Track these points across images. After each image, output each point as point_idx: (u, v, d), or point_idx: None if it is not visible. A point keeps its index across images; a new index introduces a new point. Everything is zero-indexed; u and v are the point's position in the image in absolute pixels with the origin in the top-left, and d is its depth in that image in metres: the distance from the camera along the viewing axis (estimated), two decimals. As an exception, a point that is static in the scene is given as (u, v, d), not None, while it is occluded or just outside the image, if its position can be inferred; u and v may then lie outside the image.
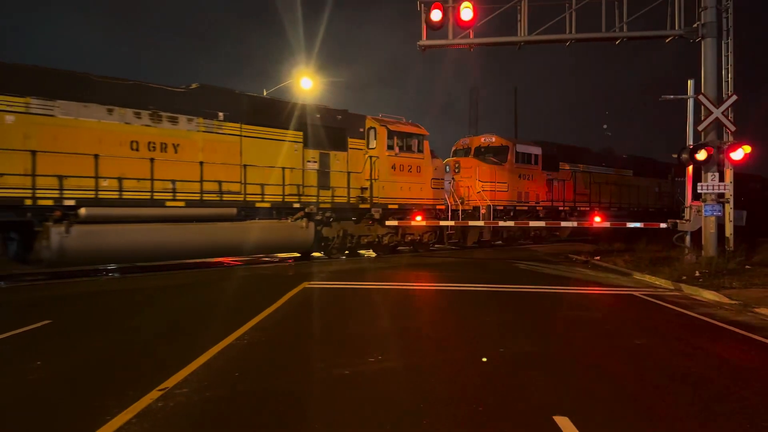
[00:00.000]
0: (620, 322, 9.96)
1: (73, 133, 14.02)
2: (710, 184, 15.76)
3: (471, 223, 22.70)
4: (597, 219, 23.53)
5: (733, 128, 15.78)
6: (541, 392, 5.98)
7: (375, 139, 20.85)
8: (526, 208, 27.14)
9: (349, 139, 20.16)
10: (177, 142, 15.81)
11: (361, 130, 20.66)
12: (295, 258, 20.23)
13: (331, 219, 19.55)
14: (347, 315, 10.23)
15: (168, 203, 15.55)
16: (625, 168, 33.99)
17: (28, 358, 6.96)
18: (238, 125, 17.10)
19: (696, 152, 15.45)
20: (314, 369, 6.66)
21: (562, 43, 16.55)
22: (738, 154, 15.76)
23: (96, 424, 4.88)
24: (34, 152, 13.27)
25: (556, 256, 21.41)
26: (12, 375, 6.37)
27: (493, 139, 27.11)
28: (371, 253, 21.72)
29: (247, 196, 17.16)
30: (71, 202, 13.83)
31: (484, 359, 6.95)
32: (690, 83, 16.54)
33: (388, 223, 20.67)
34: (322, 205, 19.06)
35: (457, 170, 25.12)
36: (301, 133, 18.58)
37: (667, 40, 16.47)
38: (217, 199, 16.55)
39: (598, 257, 19.52)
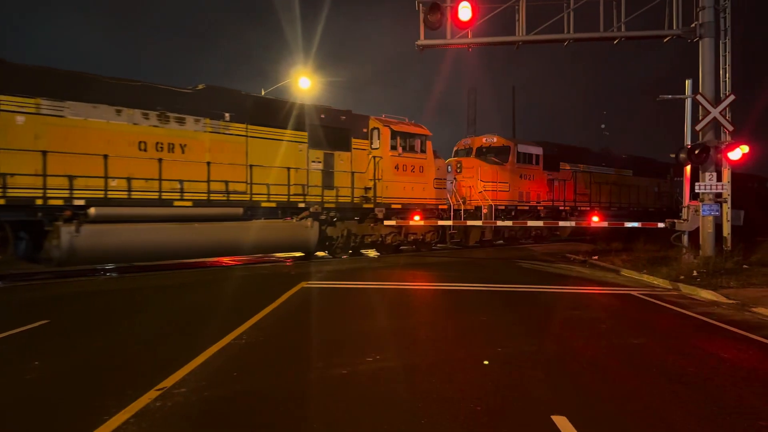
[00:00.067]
0: (618, 322, 9.81)
1: (83, 134, 13.98)
2: (708, 183, 15.57)
3: (469, 222, 22.54)
4: (595, 219, 23.31)
5: (730, 128, 15.59)
6: (539, 391, 5.89)
7: (378, 139, 20.74)
8: (527, 207, 26.98)
9: (353, 140, 20.06)
10: (184, 142, 15.75)
11: (365, 130, 20.57)
12: (294, 258, 20.04)
13: (335, 219, 19.47)
14: (345, 314, 10.10)
15: (176, 203, 15.50)
16: (625, 168, 33.79)
17: (26, 357, 6.86)
18: (244, 126, 17.03)
19: (694, 152, 15.26)
20: (312, 368, 6.54)
21: (561, 43, 16.33)
22: (736, 154, 15.57)
23: (94, 424, 4.80)
24: (44, 152, 13.22)
25: (554, 256, 21.23)
26: (10, 375, 6.27)
27: (495, 140, 26.96)
28: (374, 253, 21.57)
29: (253, 196, 17.08)
30: (81, 202, 13.79)
31: (486, 362, 6.80)
32: (688, 83, 16.34)
33: (386, 222, 20.51)
34: (326, 205, 18.98)
35: (459, 170, 24.97)
36: (305, 133, 18.49)
37: (665, 40, 16.25)
38: (224, 198, 16.47)
39: (596, 257, 19.33)
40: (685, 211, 16.03)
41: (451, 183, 23.93)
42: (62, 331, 8.50)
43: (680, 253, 16.17)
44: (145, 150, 14.99)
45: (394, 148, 20.99)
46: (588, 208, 29.25)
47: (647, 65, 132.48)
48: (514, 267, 17.99)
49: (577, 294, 12.63)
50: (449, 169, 24.22)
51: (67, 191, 13.66)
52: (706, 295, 12.06)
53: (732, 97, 15.46)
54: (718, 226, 15.88)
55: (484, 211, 24.01)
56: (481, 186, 24.56)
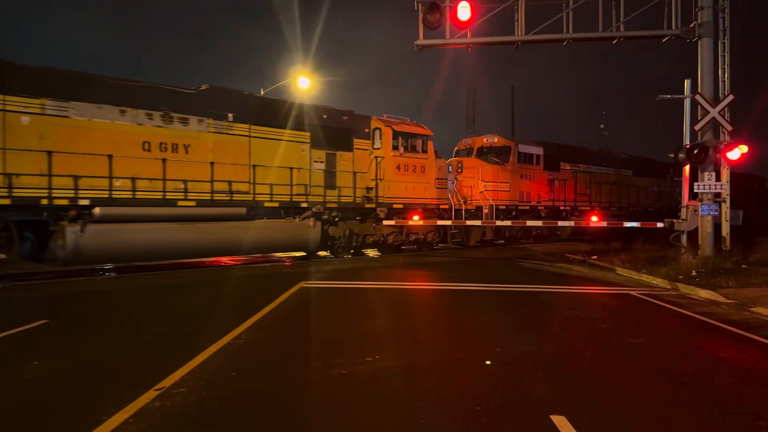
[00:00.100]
0: (617, 322, 9.72)
1: (87, 134, 13.94)
2: (707, 183, 15.44)
3: (468, 222, 22.41)
4: (594, 219, 23.18)
5: (729, 128, 15.45)
6: (539, 391, 5.83)
7: (380, 139, 20.67)
8: (528, 207, 26.87)
9: (355, 140, 19.99)
10: (188, 142, 15.70)
11: (367, 130, 20.50)
12: (293, 257, 19.92)
13: (337, 218, 19.41)
14: (344, 314, 10.00)
15: (180, 203, 15.45)
16: (625, 168, 33.67)
17: (24, 357, 6.79)
18: (247, 126, 16.97)
19: (693, 152, 15.15)
20: (312, 368, 6.47)
21: (560, 43, 16.18)
22: (734, 154, 15.44)
23: (93, 424, 4.75)
24: (50, 153, 13.18)
25: (554, 256, 21.10)
26: (9, 375, 6.21)
27: (496, 140, 26.86)
28: (374, 252, 21.49)
29: (256, 195, 17.02)
30: (86, 202, 13.75)
31: (488, 362, 6.71)
32: (687, 83, 16.19)
33: (385, 222, 20.37)
34: (328, 205, 18.91)
35: (460, 170, 24.89)
36: (308, 133, 18.43)
37: (664, 40, 16.08)
38: (227, 198, 16.42)
39: (595, 256, 19.20)
40: (684, 210, 15.91)
41: (452, 183, 23.84)
42: (61, 331, 8.41)
43: (679, 253, 16.05)
44: (149, 150, 14.95)
45: (395, 148, 20.92)
46: (588, 208, 29.13)
47: (646, 65, 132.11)
48: (514, 267, 17.88)
49: (576, 294, 12.53)
50: (450, 169, 24.13)
51: (72, 191, 13.62)
52: (705, 294, 11.97)
53: (731, 97, 15.33)
54: (717, 226, 15.74)
55: (485, 210, 23.92)
56: (482, 186, 24.47)
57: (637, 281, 14.60)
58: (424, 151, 21.91)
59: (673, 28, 15.74)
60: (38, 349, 7.29)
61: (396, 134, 20.95)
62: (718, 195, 15.69)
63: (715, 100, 15.45)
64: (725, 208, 15.75)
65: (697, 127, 15.70)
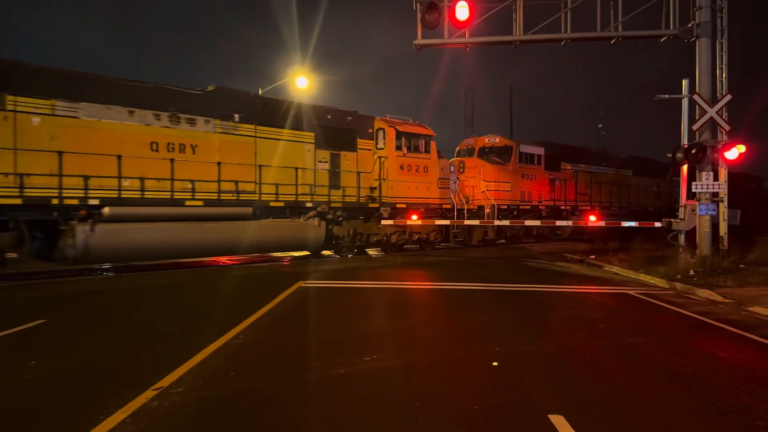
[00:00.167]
0: (615, 321, 9.57)
1: (96, 135, 13.86)
2: (704, 183, 15.19)
3: (467, 222, 22.24)
4: (592, 218, 22.96)
5: (727, 127, 15.22)
6: (537, 391, 5.72)
7: (384, 139, 20.52)
8: (529, 207, 26.68)
9: (359, 140, 19.85)
10: (195, 143, 15.61)
11: (370, 130, 20.35)
12: (291, 257, 19.68)
13: (342, 218, 19.27)
14: (342, 314, 9.82)
15: (187, 203, 15.36)
16: (625, 168, 33.43)
17: (22, 357, 6.67)
18: (252, 126, 16.86)
19: (690, 151, 14.93)
20: (309, 368, 6.36)
21: (558, 43, 15.93)
22: (732, 154, 15.22)
23: (90, 424, 4.65)
24: (60, 153, 13.11)
25: (553, 255, 20.83)
26: (6, 375, 6.09)
27: (497, 140, 26.68)
28: (374, 252, 21.32)
29: (262, 195, 16.90)
30: (95, 202, 13.67)
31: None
32: (684, 83, 15.88)
33: (384, 222, 20.11)
34: (333, 205, 18.78)
35: (461, 170, 24.72)
36: (312, 134, 18.30)
37: (662, 40, 15.82)
38: (234, 198, 16.30)
39: (593, 256, 18.93)
40: (682, 210, 15.67)
41: (455, 183, 23.68)
42: (59, 331, 8.27)
43: (677, 253, 15.81)
44: (156, 150, 14.86)
45: (399, 148, 20.78)
46: (589, 208, 28.92)
47: (646, 65, 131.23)
48: (513, 266, 17.70)
49: (574, 293, 12.37)
50: (452, 169, 23.93)
51: (82, 191, 13.54)
52: (703, 294, 11.78)
53: (729, 97, 15.11)
54: (715, 226, 15.53)
55: (487, 210, 23.77)
56: (484, 186, 24.31)
57: (636, 281, 14.40)
58: (427, 151, 21.76)
59: (671, 28, 15.49)
60: (36, 348, 7.16)
61: (399, 134, 20.81)
62: (715, 195, 15.46)
63: (713, 100, 15.23)
64: (723, 207, 15.55)
65: (694, 127, 15.47)
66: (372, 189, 19.98)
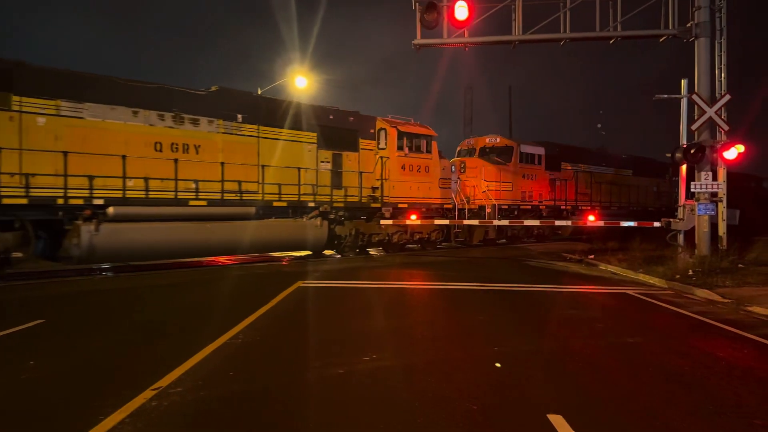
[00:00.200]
0: (614, 321, 9.48)
1: (101, 135, 13.83)
2: (703, 183, 15.06)
3: (465, 221, 22.12)
4: (591, 218, 22.82)
5: (726, 127, 15.07)
6: (536, 390, 5.65)
7: (385, 139, 20.46)
8: (529, 207, 26.57)
9: (361, 140, 19.77)
10: (198, 143, 15.57)
11: (372, 131, 20.27)
12: (289, 257, 19.51)
13: (344, 218, 19.19)
14: (341, 314, 9.70)
15: (191, 202, 15.31)
16: (625, 168, 33.28)
17: (21, 357, 6.56)
18: (255, 127, 16.81)
19: (689, 151, 14.82)
20: (308, 368, 6.28)
21: (557, 43, 15.75)
22: (731, 153, 15.08)
23: (89, 424, 4.58)
24: (65, 153, 13.08)
25: (552, 255, 20.64)
26: (5, 375, 6.01)
27: (498, 140, 26.57)
28: (374, 251, 21.19)
29: (265, 195, 16.85)
30: (100, 202, 13.64)
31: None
32: (683, 82, 15.72)
33: (383, 222, 19.94)
34: (335, 204, 18.72)
35: (462, 170, 24.62)
36: (314, 134, 18.24)
37: (660, 40, 15.65)
38: (237, 198, 16.25)
39: (591, 256, 18.77)
40: (680, 210, 15.54)
41: (456, 183, 23.59)
42: (57, 331, 8.15)
43: (676, 253, 15.68)
44: (160, 150, 14.83)
45: (400, 148, 20.71)
46: (589, 208, 28.79)
47: (646, 65, 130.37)
48: (512, 266, 17.57)
49: (573, 293, 12.24)
50: (453, 169, 23.83)
51: (87, 191, 13.51)
52: (702, 294, 11.66)
53: (727, 97, 14.97)
54: (714, 226, 15.40)
55: (488, 210, 23.66)
56: (485, 186, 24.21)
57: (634, 280, 14.28)
58: (429, 152, 21.68)
59: (670, 27, 15.34)
60: (35, 348, 7.05)
61: (401, 135, 20.74)
62: (714, 194, 15.36)
63: (712, 100, 15.10)
64: (722, 207, 15.43)
65: (693, 127, 15.34)
66: (374, 189, 19.91)
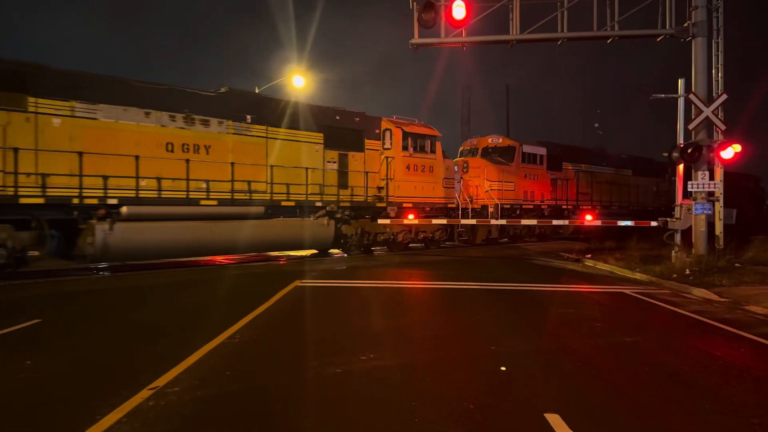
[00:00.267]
0: (612, 320, 9.27)
1: (114, 135, 13.75)
2: (700, 182, 14.79)
3: (463, 221, 21.85)
4: (588, 217, 22.50)
5: (723, 127, 14.79)
6: (533, 390, 5.50)
7: (390, 140, 20.27)
8: (531, 206, 26.29)
9: (366, 140, 19.56)
10: (208, 143, 15.46)
11: (377, 131, 20.08)
12: (288, 256, 19.14)
13: (350, 217, 19.02)
14: (339, 313, 9.44)
15: (202, 202, 15.22)
16: (625, 168, 32.91)
17: (17, 357, 6.38)
18: (264, 127, 16.67)
19: (686, 151, 14.53)
20: (306, 367, 6.12)
21: (554, 42, 15.44)
22: (728, 153, 14.81)
23: (86, 424, 4.45)
24: (81, 154, 13.01)
25: (549, 254, 20.28)
26: (2, 374, 5.86)
27: (501, 140, 26.30)
28: (376, 251, 20.99)
29: (274, 195, 16.72)
30: (114, 201, 13.56)
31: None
32: (680, 82, 15.38)
33: (380, 221, 19.61)
34: (341, 204, 18.56)
35: (465, 170, 24.38)
36: (321, 134, 18.08)
37: (658, 39, 15.37)
38: (247, 198, 16.12)
39: (589, 255, 18.47)
40: (677, 209, 15.20)
41: (459, 182, 23.36)
42: (54, 331, 7.95)
43: (673, 252, 15.40)
44: (172, 151, 14.73)
45: (405, 148, 20.52)
46: (590, 207, 28.45)
47: (645, 65, 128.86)
48: (511, 265, 17.30)
49: (570, 292, 11.99)
50: (456, 169, 23.62)
51: (102, 191, 13.44)
52: (699, 293, 11.43)
53: (724, 96, 14.68)
54: (711, 225, 15.13)
55: (491, 210, 23.43)
56: (488, 185, 23.97)
57: (632, 280, 14.01)
58: (433, 152, 21.48)
59: (668, 27, 15.06)
60: (32, 348, 6.87)
61: (406, 135, 20.55)
62: (711, 194, 15.08)
63: (709, 100, 14.81)
64: (719, 206, 15.14)
65: (690, 127, 15.05)
66: (379, 189, 19.74)
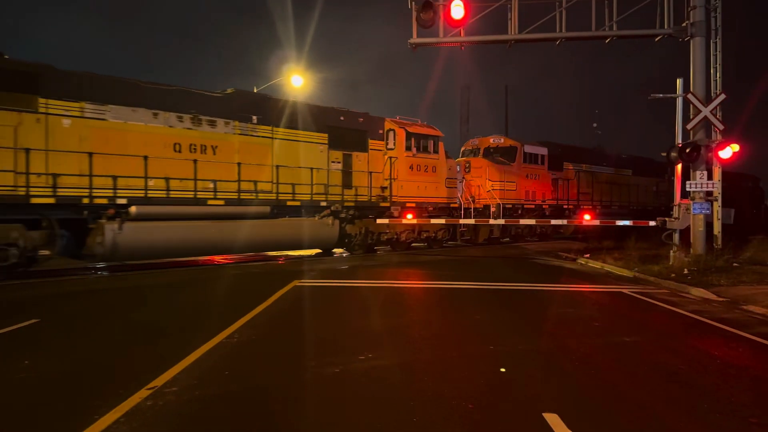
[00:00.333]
0: (610, 320, 9.11)
1: (123, 136, 13.72)
2: (699, 182, 14.55)
3: (461, 221, 21.65)
4: (587, 217, 22.27)
5: (721, 127, 14.56)
6: (531, 389, 5.39)
7: (394, 140, 20.12)
8: (533, 206, 26.07)
9: (370, 141, 19.46)
10: (215, 144, 15.40)
11: (381, 131, 19.94)
12: (286, 256, 18.89)
13: (354, 217, 18.91)
14: (337, 313, 9.25)
15: (210, 202, 15.15)
16: (625, 168, 32.63)
17: (15, 357, 6.26)
18: (269, 128, 16.59)
19: (685, 150, 14.32)
20: (304, 367, 5.99)
21: (553, 42, 15.20)
22: (726, 153, 14.57)
23: (84, 424, 4.35)
24: (90, 154, 12.98)
25: (550, 254, 20.04)
26: (0, 374, 5.74)
27: (502, 140, 26.12)
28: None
29: (279, 195, 16.64)
30: (123, 201, 13.53)
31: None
32: (679, 82, 15.11)
33: (379, 221, 19.40)
34: (346, 204, 18.46)
35: (467, 170, 24.19)
36: (326, 135, 17.98)
37: (656, 39, 15.13)
38: (253, 197, 16.05)
39: (587, 255, 18.21)
40: (676, 209, 14.92)
41: (461, 182, 23.19)
42: (53, 331, 7.81)
43: (671, 252, 15.18)
44: (179, 151, 14.68)
45: (408, 148, 20.37)
46: (590, 207, 28.20)
47: (643, 65, 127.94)
48: (510, 265, 17.07)
49: (568, 292, 11.79)
50: (458, 169, 23.45)
51: (111, 190, 13.41)
52: (697, 293, 11.23)
53: (723, 96, 14.45)
54: (709, 225, 14.91)
55: (493, 209, 23.24)
56: (489, 185, 23.77)
57: (630, 279, 13.79)
58: (436, 152, 21.33)
59: (666, 27, 14.83)
60: (30, 348, 6.74)
61: (409, 135, 20.41)
62: (709, 193, 14.86)
63: (707, 99, 14.59)
64: (717, 206, 14.91)
65: (689, 126, 14.81)
66: (383, 188, 19.62)
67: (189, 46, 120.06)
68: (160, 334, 7.58)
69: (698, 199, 14.64)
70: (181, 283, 12.80)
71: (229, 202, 15.48)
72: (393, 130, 20.15)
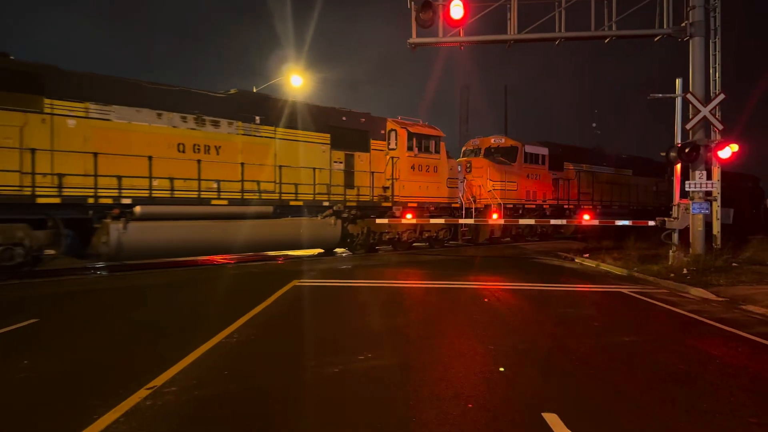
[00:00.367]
0: (609, 320, 9.03)
1: (127, 136, 13.70)
2: (698, 182, 14.44)
3: (461, 221, 21.54)
4: (586, 217, 22.15)
5: (720, 127, 14.44)
6: (531, 389, 5.33)
7: (396, 140, 20.05)
8: (534, 206, 25.97)
9: (372, 141, 19.38)
10: (219, 144, 15.36)
11: (383, 132, 19.86)
12: (285, 256, 18.75)
13: (356, 216, 18.84)
14: (337, 313, 9.18)
15: (213, 202, 15.12)
16: (625, 167, 32.50)
17: (14, 357, 6.20)
18: (272, 128, 16.55)
19: (684, 150, 14.21)
20: (304, 367, 5.94)
21: (552, 42, 15.07)
22: (725, 153, 14.46)
23: (83, 423, 4.30)
24: (96, 154, 12.95)
25: (550, 254, 19.92)
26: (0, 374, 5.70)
27: (503, 140, 26.02)
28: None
29: (282, 195, 16.60)
30: (128, 201, 13.51)
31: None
32: (678, 82, 14.98)
33: (378, 221, 19.26)
34: (348, 204, 18.39)
35: (468, 170, 24.08)
36: (328, 135, 17.92)
37: (655, 39, 15.01)
38: (256, 197, 16.01)
39: (587, 254, 18.12)
40: (675, 209, 14.80)
41: (462, 182, 23.10)
42: (52, 330, 7.73)
43: (671, 251, 15.06)
44: (183, 152, 14.65)
45: (410, 149, 20.30)
46: (591, 207, 28.08)
47: (642, 65, 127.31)
48: (510, 265, 16.94)
49: (568, 292, 11.72)
50: (459, 169, 23.35)
51: (116, 190, 13.40)
52: (696, 292, 11.14)
53: (722, 96, 14.34)
54: (709, 225, 14.80)
55: (493, 209, 23.15)
56: (490, 185, 23.69)
57: (629, 279, 13.68)
58: (437, 152, 21.25)
59: (665, 27, 14.71)
60: (29, 348, 6.67)
61: (410, 135, 20.34)
62: (709, 193, 14.75)
63: (707, 99, 14.48)
64: (716, 206, 14.81)
65: (688, 126, 14.70)
66: (385, 188, 19.55)
67: (189, 46, 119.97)
68: (159, 334, 7.51)
69: (697, 199, 14.53)
70: (180, 282, 12.71)
71: (232, 202, 15.45)
72: (395, 130, 20.09)
